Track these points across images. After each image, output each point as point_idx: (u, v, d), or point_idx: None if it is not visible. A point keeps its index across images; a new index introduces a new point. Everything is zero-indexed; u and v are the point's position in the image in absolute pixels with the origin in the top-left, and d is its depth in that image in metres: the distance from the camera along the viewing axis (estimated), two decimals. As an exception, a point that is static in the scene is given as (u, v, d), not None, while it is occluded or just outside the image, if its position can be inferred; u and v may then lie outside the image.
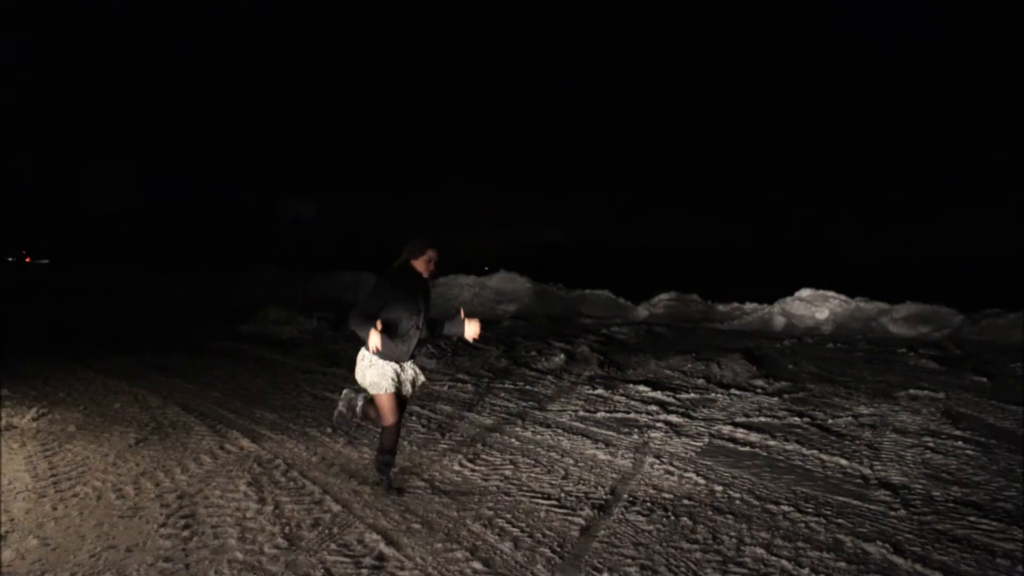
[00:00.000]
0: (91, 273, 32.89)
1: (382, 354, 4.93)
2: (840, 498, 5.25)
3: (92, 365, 10.47)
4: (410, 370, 5.23)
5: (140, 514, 4.79)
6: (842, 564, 4.19)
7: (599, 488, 5.44)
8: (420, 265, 5.12)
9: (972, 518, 4.88)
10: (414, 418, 7.46)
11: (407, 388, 5.21)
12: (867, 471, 5.86)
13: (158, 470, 5.71)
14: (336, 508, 4.94)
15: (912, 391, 8.64)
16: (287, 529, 4.57)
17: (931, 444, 6.57)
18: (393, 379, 5.02)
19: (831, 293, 15.63)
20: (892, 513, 4.97)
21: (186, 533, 4.48)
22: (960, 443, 6.59)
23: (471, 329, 5.27)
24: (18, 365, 10.29)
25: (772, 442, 6.63)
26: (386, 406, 5.05)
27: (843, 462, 6.07)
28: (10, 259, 46.35)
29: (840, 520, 4.84)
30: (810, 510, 5.00)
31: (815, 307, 15.33)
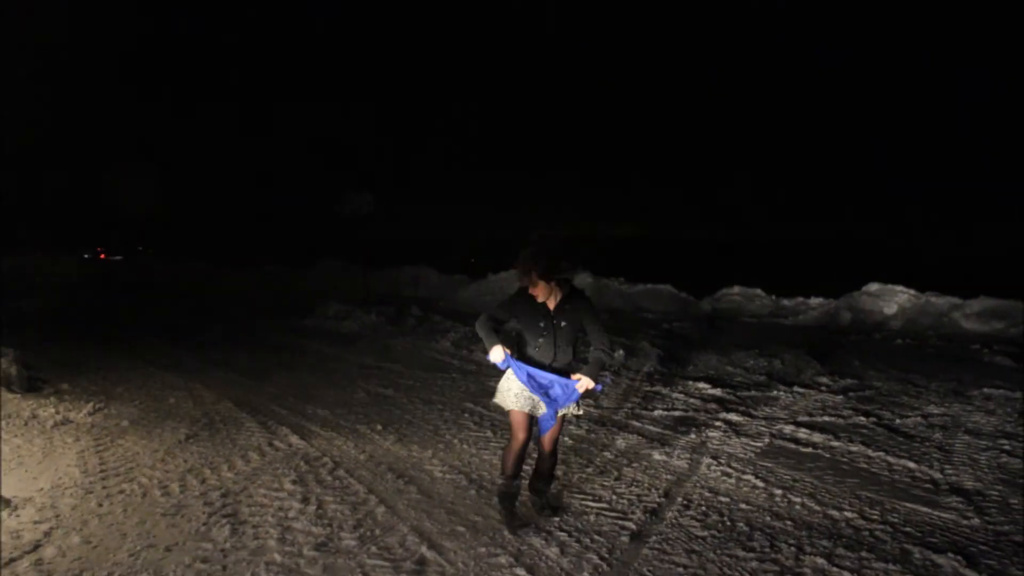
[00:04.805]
0: (159, 269, 33.85)
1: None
2: (908, 504, 4.98)
3: (152, 360, 10.63)
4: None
5: (183, 512, 4.76)
6: (909, 577, 3.95)
7: (652, 491, 5.25)
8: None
9: (1053, 528, 4.58)
10: (466, 415, 7.37)
11: (541, 409, 4.48)
12: (937, 475, 5.55)
13: (205, 467, 5.70)
14: (380, 509, 4.84)
15: (986, 390, 8.23)
16: (328, 531, 4.49)
17: (1007, 447, 6.22)
18: (517, 394, 4.42)
19: (900, 287, 15.05)
20: (965, 522, 4.68)
21: (227, 533, 4.43)
22: (1039, 446, 6.23)
23: (582, 384, 4.39)
24: (80, 360, 10.50)
25: (836, 443, 6.34)
26: (512, 420, 4.51)
27: (911, 465, 5.77)
28: (86, 256, 47.76)
29: (908, 529, 4.57)
30: (875, 517, 4.75)
31: (883, 301, 14.79)
